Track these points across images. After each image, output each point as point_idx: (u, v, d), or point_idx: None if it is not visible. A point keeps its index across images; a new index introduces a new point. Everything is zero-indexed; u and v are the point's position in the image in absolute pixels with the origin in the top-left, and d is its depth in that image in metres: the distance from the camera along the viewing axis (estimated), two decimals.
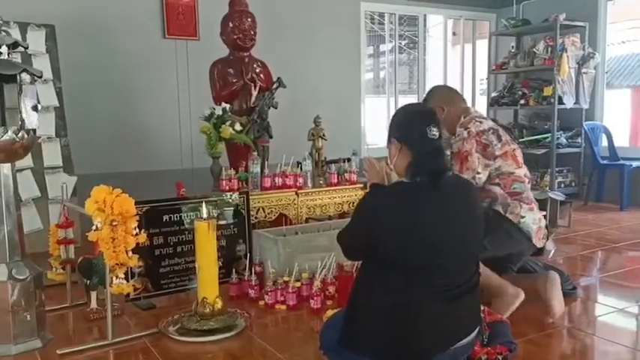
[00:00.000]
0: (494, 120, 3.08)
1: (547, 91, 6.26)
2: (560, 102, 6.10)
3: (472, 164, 2.89)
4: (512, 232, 2.89)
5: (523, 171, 3.02)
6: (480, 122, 3.00)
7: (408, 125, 1.93)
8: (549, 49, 6.21)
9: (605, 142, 6.26)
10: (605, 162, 6.10)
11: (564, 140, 6.35)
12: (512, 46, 6.87)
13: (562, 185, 6.34)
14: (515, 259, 3.04)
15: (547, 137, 6.31)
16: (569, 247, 4.40)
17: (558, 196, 4.42)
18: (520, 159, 3.03)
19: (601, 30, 6.33)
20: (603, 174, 6.18)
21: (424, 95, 3.41)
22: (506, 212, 2.89)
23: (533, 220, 2.93)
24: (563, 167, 6.38)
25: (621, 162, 5.97)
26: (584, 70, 6.19)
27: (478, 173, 2.89)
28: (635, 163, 5.87)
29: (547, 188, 4.57)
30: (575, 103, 6.18)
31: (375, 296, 1.80)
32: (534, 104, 6.45)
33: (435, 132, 1.85)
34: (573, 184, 6.49)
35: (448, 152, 2.97)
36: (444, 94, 3.25)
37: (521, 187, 2.97)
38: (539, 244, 2.98)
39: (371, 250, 1.82)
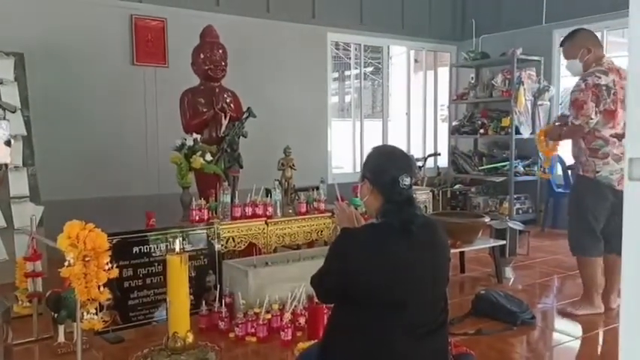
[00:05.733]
0: None
1: (505, 121, 6.52)
2: (518, 132, 6.36)
3: (587, 111, 3.36)
4: (590, 187, 3.45)
5: (613, 131, 3.41)
6: (599, 77, 3.39)
7: (381, 171, 1.96)
8: (507, 81, 6.48)
9: (560, 171, 6.53)
10: (560, 190, 6.36)
11: (521, 168, 6.61)
12: (472, 77, 7.14)
13: (520, 212, 6.58)
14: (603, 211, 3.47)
15: (505, 165, 6.56)
16: (528, 275, 4.57)
17: (517, 225, 4.60)
18: (619, 119, 3.40)
19: (555, 64, 6.66)
20: (559, 201, 6.44)
21: (565, 36, 3.72)
22: (583, 171, 3.47)
23: (609, 171, 3.40)
24: (520, 194, 6.63)
25: None
26: (539, 102, 6.49)
27: (591, 119, 3.36)
28: None
29: (506, 217, 4.75)
30: (531, 133, 6.44)
31: (348, 336, 1.85)
32: (493, 133, 6.70)
33: (406, 181, 1.90)
34: (530, 210, 6.74)
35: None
36: (590, 36, 3.63)
37: (600, 144, 3.42)
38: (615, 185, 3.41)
39: (344, 292, 1.87)
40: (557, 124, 3.93)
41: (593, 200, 3.49)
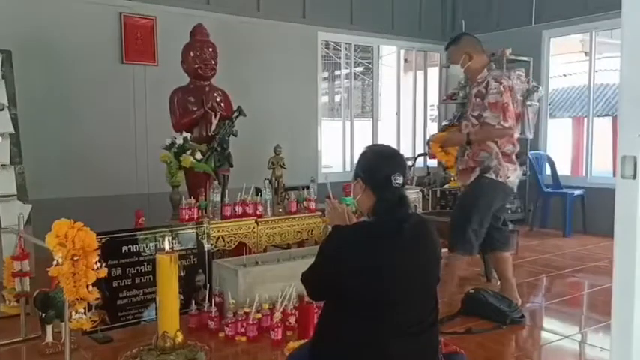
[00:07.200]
0: None
1: None
2: None
3: (512, 113, 3.40)
4: (500, 190, 3.48)
5: (517, 135, 3.58)
6: (508, 79, 3.52)
7: (374, 169, 1.97)
8: None
9: (548, 171, 6.58)
10: (548, 190, 6.41)
11: None
12: (461, 78, 7.15)
13: (509, 211, 6.58)
14: (503, 210, 3.77)
15: None
16: (517, 274, 4.55)
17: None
18: (519, 121, 3.61)
19: (544, 65, 6.70)
20: (547, 201, 6.49)
21: (447, 42, 3.73)
22: (497, 176, 3.42)
23: (516, 176, 3.54)
24: None
25: (564, 190, 6.29)
26: (528, 103, 6.47)
27: (515, 122, 3.42)
28: (576, 192, 6.21)
29: None
30: (520, 134, 6.44)
31: (339, 335, 1.85)
32: None
33: (399, 180, 1.91)
34: (519, 210, 6.77)
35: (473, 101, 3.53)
36: (473, 42, 3.65)
37: (512, 149, 3.51)
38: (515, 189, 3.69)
39: (335, 290, 1.87)
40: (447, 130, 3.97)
41: (499, 203, 3.56)
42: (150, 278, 3.21)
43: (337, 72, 8.84)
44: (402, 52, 7.83)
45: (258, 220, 3.90)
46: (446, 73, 7.62)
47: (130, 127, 5.28)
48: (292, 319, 3.14)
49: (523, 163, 3.58)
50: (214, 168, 4.11)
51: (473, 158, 3.51)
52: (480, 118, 3.43)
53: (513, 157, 3.51)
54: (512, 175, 3.49)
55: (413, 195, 4.80)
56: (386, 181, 1.92)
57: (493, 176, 3.43)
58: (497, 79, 3.43)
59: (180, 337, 2.71)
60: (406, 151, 7.48)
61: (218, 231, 3.71)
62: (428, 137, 4.00)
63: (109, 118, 5.16)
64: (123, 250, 3.22)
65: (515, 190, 3.63)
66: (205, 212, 3.77)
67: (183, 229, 3.48)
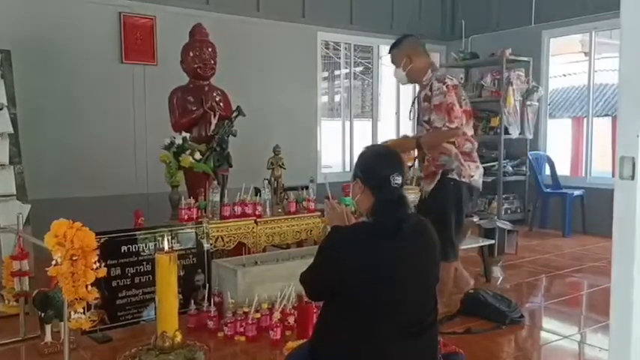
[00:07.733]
0: None
1: (494, 121, 6.55)
2: (506, 132, 6.39)
3: (458, 113, 3.28)
4: (465, 190, 3.41)
5: (471, 132, 3.50)
6: (452, 78, 3.41)
7: (373, 170, 1.98)
8: (496, 82, 6.51)
9: (548, 171, 6.58)
10: (548, 190, 6.41)
11: (510, 169, 6.64)
12: (462, 78, 7.15)
13: (508, 212, 6.61)
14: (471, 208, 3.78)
15: (494, 165, 6.58)
16: (516, 274, 4.59)
17: (506, 225, 4.62)
18: (471, 118, 3.54)
19: (544, 65, 6.70)
20: (547, 201, 6.49)
21: (393, 42, 3.64)
22: (460, 176, 3.36)
23: (479, 174, 3.48)
24: (509, 194, 6.66)
25: (563, 191, 6.29)
26: (528, 103, 6.52)
27: (462, 121, 3.32)
28: (576, 192, 6.21)
29: (495, 217, 4.77)
30: (520, 134, 6.49)
31: (339, 335, 1.85)
32: (482, 134, 6.70)
33: (398, 180, 1.92)
34: (519, 210, 6.78)
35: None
36: (415, 44, 3.55)
37: (470, 147, 3.43)
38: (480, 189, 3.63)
39: (334, 291, 1.87)
40: (403, 136, 3.99)
41: (468, 204, 3.53)
42: (149, 278, 3.21)
43: (337, 72, 8.82)
44: None
45: (258, 220, 3.90)
46: (446, 72, 7.62)
47: (130, 127, 5.27)
48: (291, 319, 3.14)
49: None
50: (213, 168, 4.10)
51: (434, 163, 3.46)
52: (429, 122, 3.40)
53: (474, 154, 3.47)
54: (476, 173, 3.44)
55: (412, 195, 4.77)
56: (385, 181, 1.92)
57: (456, 177, 3.39)
58: (440, 79, 3.36)
59: (179, 337, 2.70)
60: None
61: (217, 231, 3.71)
62: (380, 143, 3.94)
63: (109, 118, 5.16)
64: (122, 250, 3.21)
65: (481, 190, 3.60)
66: (204, 212, 3.77)
67: (182, 229, 3.48)
